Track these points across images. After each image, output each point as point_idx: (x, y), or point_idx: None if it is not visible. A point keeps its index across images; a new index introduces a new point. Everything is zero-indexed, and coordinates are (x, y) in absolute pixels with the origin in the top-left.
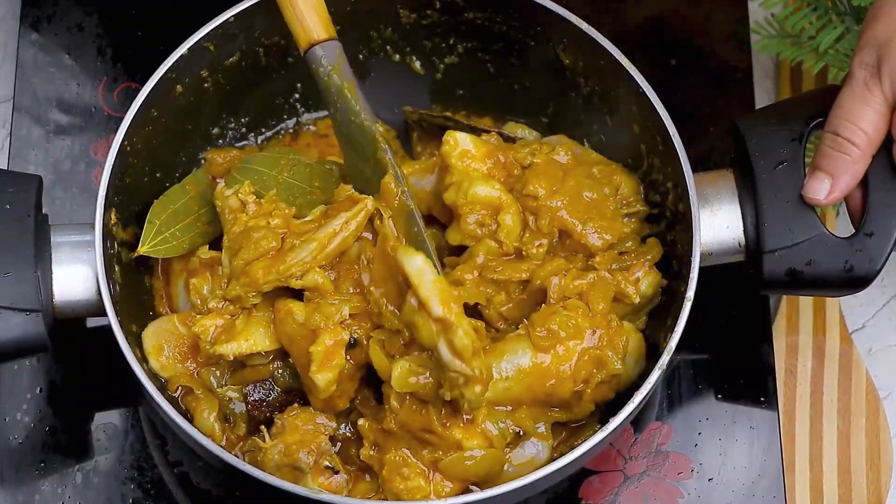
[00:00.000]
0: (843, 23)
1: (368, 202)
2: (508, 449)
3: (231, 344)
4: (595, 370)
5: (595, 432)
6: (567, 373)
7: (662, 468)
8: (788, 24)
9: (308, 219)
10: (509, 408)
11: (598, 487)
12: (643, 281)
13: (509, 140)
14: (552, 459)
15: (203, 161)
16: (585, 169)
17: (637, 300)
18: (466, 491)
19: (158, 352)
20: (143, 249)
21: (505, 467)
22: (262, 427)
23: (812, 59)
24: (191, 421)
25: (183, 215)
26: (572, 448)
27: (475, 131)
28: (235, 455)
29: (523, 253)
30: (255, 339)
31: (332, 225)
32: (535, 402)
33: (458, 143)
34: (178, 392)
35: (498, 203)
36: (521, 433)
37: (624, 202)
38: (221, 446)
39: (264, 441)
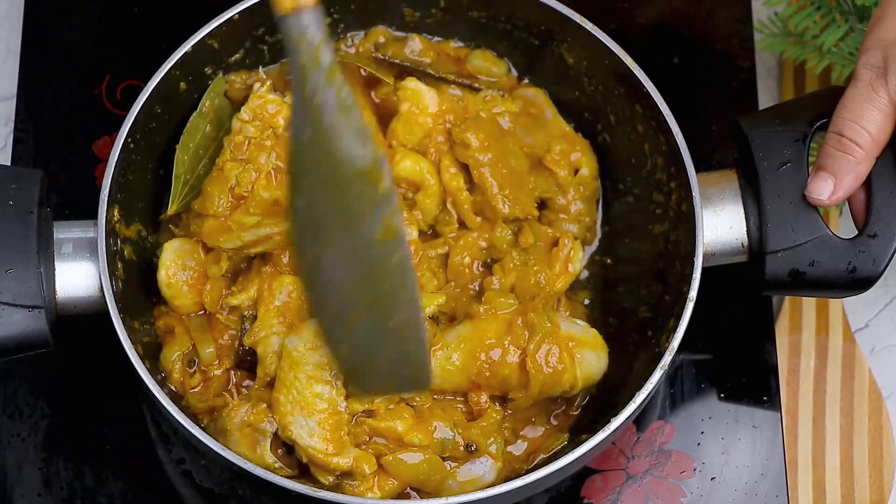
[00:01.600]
0: (846, 22)
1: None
2: (456, 464)
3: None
4: (527, 333)
5: (597, 431)
6: (503, 335)
7: (665, 467)
8: (792, 23)
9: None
10: (459, 399)
11: (601, 486)
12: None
13: (474, 90)
14: (497, 482)
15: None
16: (519, 139)
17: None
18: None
19: (173, 266)
20: (174, 208)
21: (449, 482)
22: (234, 387)
23: (816, 59)
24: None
25: (204, 149)
26: (575, 446)
27: (442, 81)
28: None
29: (437, 231)
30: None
31: (260, 231)
32: (483, 380)
33: (414, 91)
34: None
35: (420, 181)
36: (473, 448)
37: (580, 187)
38: (176, 389)
39: (233, 398)
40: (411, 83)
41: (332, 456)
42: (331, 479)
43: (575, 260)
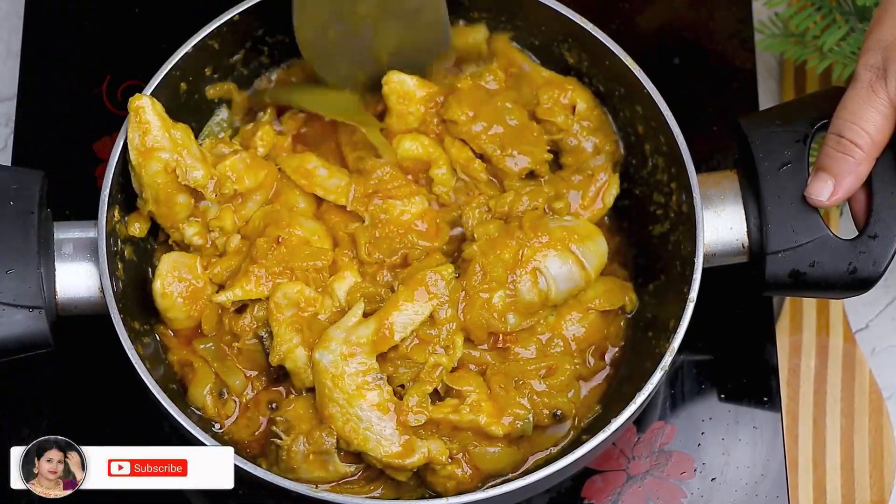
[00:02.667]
0: (847, 22)
1: None
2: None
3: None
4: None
5: (597, 432)
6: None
7: (665, 468)
8: (792, 24)
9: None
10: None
11: (601, 487)
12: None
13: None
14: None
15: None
16: (511, 93)
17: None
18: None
19: (169, 277)
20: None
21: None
22: (275, 427)
23: (816, 59)
24: (184, 393)
25: None
26: (576, 447)
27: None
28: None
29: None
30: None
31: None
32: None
33: (398, 83)
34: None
35: (427, 157)
36: (559, 415)
37: (584, 121)
38: (213, 421)
39: (280, 439)
40: (395, 76)
41: (404, 457)
42: (409, 475)
43: (608, 195)
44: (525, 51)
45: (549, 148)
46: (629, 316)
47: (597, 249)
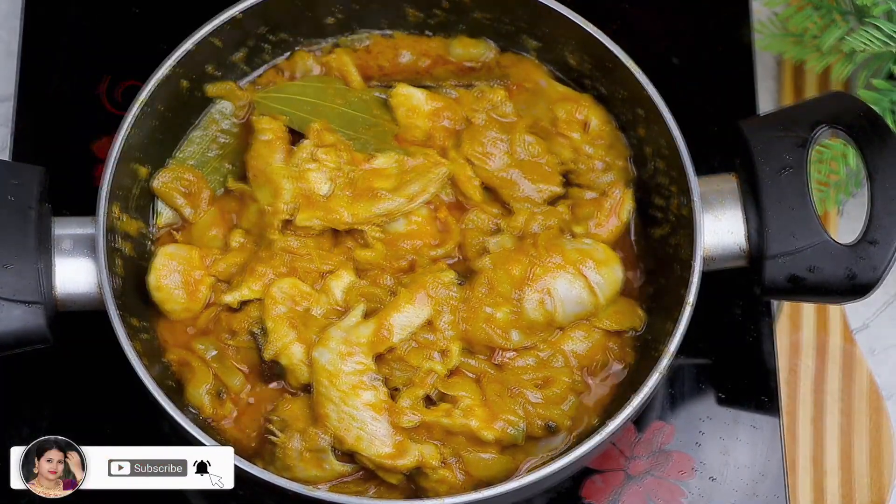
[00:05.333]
0: (846, 22)
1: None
2: (536, 441)
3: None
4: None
5: (596, 432)
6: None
7: (665, 467)
8: (791, 24)
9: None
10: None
11: (601, 487)
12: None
13: (468, 87)
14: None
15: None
16: (528, 121)
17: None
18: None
19: (165, 269)
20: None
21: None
22: (270, 425)
23: (815, 59)
24: (182, 392)
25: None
26: (574, 447)
27: (433, 87)
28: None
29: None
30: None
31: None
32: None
33: (406, 97)
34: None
35: None
36: (554, 427)
37: (597, 139)
38: (210, 420)
39: (276, 437)
40: (403, 89)
41: (396, 458)
42: (400, 478)
43: (623, 211)
44: (544, 65)
45: (561, 171)
46: (637, 334)
47: (611, 277)
